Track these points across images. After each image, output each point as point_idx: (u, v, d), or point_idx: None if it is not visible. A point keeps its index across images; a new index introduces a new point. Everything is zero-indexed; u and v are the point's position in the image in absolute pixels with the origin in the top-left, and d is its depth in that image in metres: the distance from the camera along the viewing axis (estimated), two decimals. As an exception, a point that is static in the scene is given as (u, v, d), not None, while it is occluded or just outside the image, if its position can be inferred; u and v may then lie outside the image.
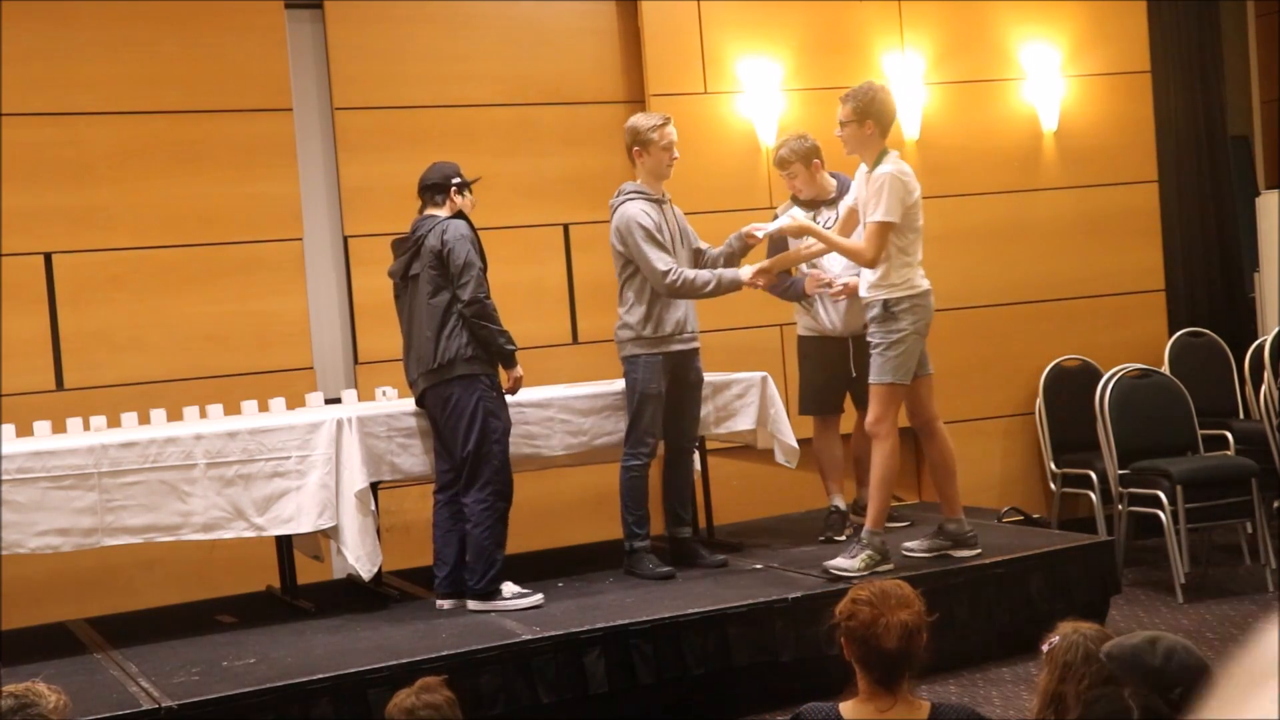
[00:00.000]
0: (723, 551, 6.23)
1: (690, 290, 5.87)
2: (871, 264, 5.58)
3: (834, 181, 6.43)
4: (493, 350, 5.52)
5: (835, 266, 6.32)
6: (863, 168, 5.70)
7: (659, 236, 5.85)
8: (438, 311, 5.52)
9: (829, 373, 6.44)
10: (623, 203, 5.95)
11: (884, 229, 5.51)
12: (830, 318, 6.37)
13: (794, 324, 6.69)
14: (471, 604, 5.53)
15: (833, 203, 6.39)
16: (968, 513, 6.91)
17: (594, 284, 7.03)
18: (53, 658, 5.27)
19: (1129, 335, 8.10)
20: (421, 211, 5.74)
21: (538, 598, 5.53)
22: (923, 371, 5.71)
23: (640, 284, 5.93)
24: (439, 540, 5.70)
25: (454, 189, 5.66)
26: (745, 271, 5.93)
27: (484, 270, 5.61)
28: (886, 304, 5.56)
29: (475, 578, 5.52)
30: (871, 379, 5.63)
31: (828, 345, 6.42)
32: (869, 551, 5.58)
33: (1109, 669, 2.91)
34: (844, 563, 5.55)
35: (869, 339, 5.66)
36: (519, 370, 5.66)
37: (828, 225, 6.34)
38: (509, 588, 5.54)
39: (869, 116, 5.57)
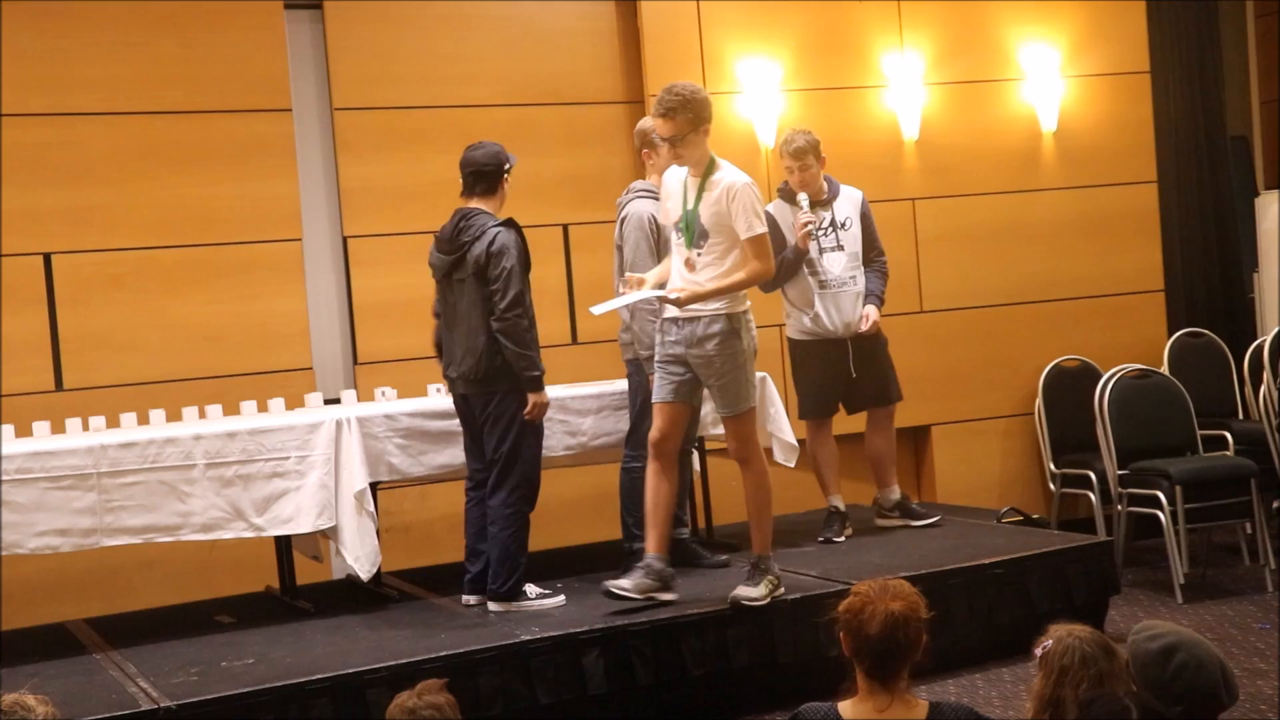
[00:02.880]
0: (722, 551, 6.23)
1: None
2: (769, 273, 5.28)
3: (825, 183, 6.44)
4: (515, 371, 5.38)
5: (834, 268, 6.33)
6: (675, 174, 5.27)
7: (651, 242, 5.82)
8: (487, 321, 5.38)
9: (831, 375, 6.42)
10: (632, 200, 5.94)
11: (766, 240, 5.20)
12: (833, 319, 6.35)
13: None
14: (493, 605, 5.49)
15: (826, 203, 6.38)
16: (969, 514, 6.94)
17: (593, 284, 7.02)
18: (52, 658, 5.28)
19: (1129, 335, 8.10)
20: (465, 197, 5.51)
21: (560, 599, 5.53)
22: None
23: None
24: (473, 537, 5.65)
25: (507, 175, 5.48)
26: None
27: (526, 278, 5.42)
28: (731, 320, 5.17)
29: (499, 581, 5.48)
30: (729, 410, 5.23)
31: (829, 347, 6.40)
32: (769, 577, 5.34)
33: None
34: (749, 591, 5.28)
35: (699, 359, 5.19)
36: (543, 397, 5.45)
37: (824, 225, 6.34)
38: (532, 589, 5.54)
39: (705, 121, 5.14)
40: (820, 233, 6.35)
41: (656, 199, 5.89)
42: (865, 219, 6.44)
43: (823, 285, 6.36)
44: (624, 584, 5.29)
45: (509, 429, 5.42)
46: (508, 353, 5.35)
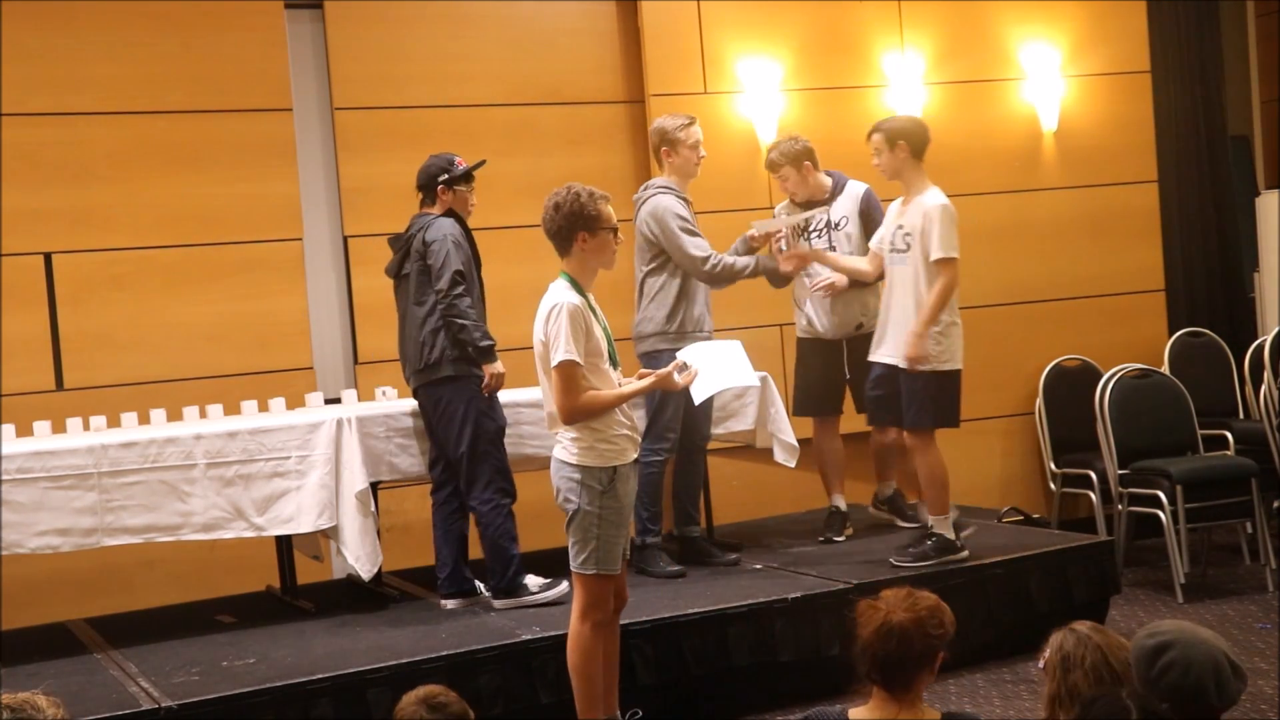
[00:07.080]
0: (725, 550, 6.23)
1: (729, 274, 5.99)
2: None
3: (829, 181, 6.39)
4: (466, 347, 5.48)
5: (824, 270, 6.27)
6: (576, 303, 4.76)
7: (693, 226, 5.89)
8: (425, 311, 5.53)
9: (824, 374, 6.42)
10: (653, 195, 6.00)
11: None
12: (821, 321, 6.35)
13: (794, 324, 6.67)
14: (498, 603, 5.53)
15: (826, 202, 6.35)
16: (968, 513, 6.93)
17: (592, 284, 7.02)
18: (53, 658, 5.28)
19: (1129, 335, 8.10)
20: (421, 208, 5.76)
21: (563, 587, 5.49)
22: None
23: (665, 278, 5.96)
24: (438, 540, 5.71)
25: (440, 187, 5.67)
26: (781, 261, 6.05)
27: (474, 268, 5.60)
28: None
29: (497, 577, 5.52)
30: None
31: (821, 347, 6.41)
32: None
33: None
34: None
35: None
36: (497, 366, 5.54)
37: (819, 226, 6.33)
38: (533, 580, 5.54)
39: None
40: (814, 234, 6.33)
41: (676, 195, 5.95)
42: (865, 216, 6.31)
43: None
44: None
45: (464, 425, 5.49)
46: (454, 329, 5.45)
